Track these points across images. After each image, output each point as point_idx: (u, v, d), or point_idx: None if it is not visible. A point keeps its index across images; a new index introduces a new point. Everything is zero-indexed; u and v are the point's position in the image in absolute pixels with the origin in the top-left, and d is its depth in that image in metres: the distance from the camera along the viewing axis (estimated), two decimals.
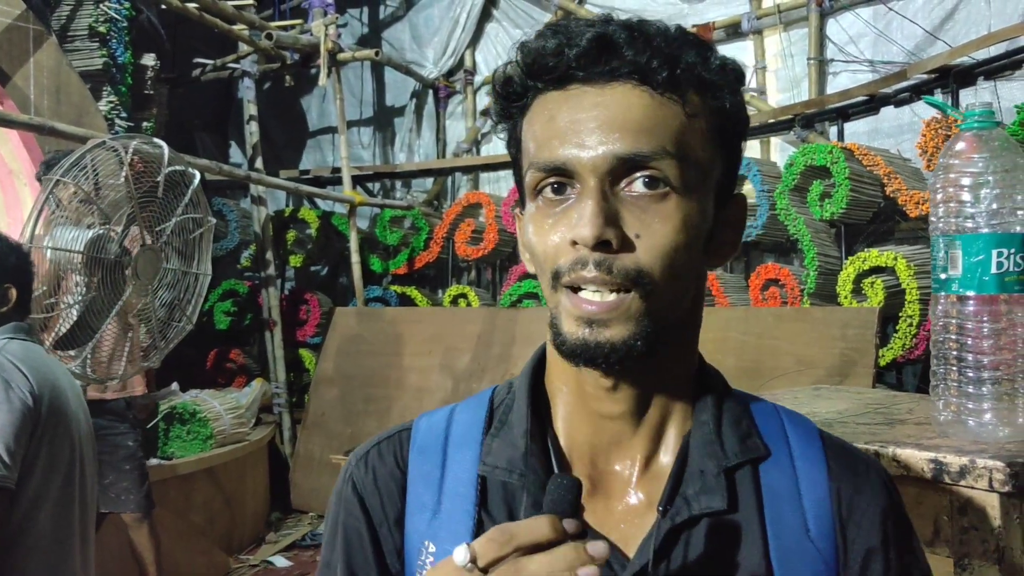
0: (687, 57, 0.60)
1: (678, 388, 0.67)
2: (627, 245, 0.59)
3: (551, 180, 0.61)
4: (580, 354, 0.60)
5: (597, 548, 0.51)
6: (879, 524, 0.66)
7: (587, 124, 0.59)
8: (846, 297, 3.02)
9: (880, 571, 0.65)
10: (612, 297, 0.59)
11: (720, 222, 0.65)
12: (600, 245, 0.58)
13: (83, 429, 1.57)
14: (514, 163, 0.68)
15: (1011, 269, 0.93)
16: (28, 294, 1.62)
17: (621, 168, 0.59)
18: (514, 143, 0.67)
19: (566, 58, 0.60)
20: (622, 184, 0.60)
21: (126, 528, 2.81)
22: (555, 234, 0.61)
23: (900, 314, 2.90)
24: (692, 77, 0.61)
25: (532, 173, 0.62)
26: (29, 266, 1.64)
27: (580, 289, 0.60)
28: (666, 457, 0.66)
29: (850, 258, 3.05)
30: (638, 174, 0.59)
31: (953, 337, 0.98)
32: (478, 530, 0.65)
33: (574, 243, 0.59)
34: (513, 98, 0.65)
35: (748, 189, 3.49)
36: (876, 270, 2.97)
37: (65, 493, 1.49)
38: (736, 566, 0.61)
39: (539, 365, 0.71)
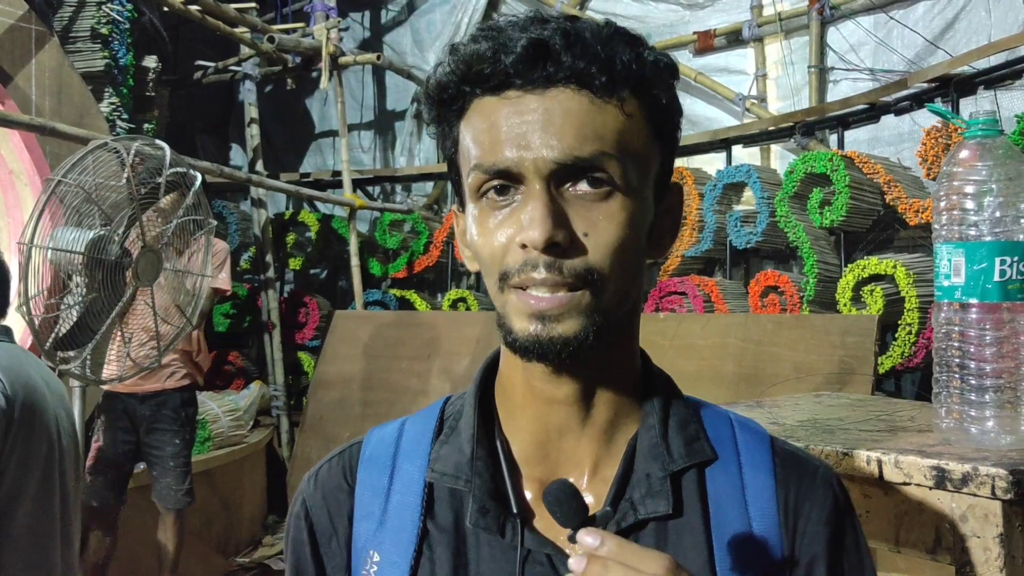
0: (623, 58, 0.61)
1: (622, 384, 0.67)
2: (576, 245, 0.60)
3: (495, 183, 0.62)
4: (533, 350, 0.61)
5: None
6: (824, 529, 0.66)
7: (529, 128, 0.60)
8: (845, 305, 3.02)
9: (828, 574, 0.65)
10: (562, 293, 0.60)
11: (660, 213, 0.67)
12: (550, 247, 0.59)
13: (64, 426, 1.56)
14: (450, 163, 0.68)
15: (1014, 277, 0.93)
16: (4, 296, 1.62)
17: (564, 171, 0.60)
18: (451, 144, 0.66)
19: (503, 64, 0.60)
20: (567, 185, 0.61)
21: (156, 516, 2.86)
22: (501, 236, 0.62)
23: (899, 322, 2.90)
24: (629, 78, 0.61)
25: (476, 175, 0.62)
26: (4, 267, 1.64)
27: (528, 288, 0.60)
28: (613, 462, 0.66)
29: (849, 266, 3.06)
30: (581, 176, 0.60)
31: (956, 345, 0.98)
32: (422, 539, 0.66)
33: (523, 246, 0.60)
34: (449, 103, 0.65)
35: (748, 196, 3.50)
36: (875, 278, 2.97)
37: (44, 489, 1.49)
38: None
39: (488, 374, 0.71)
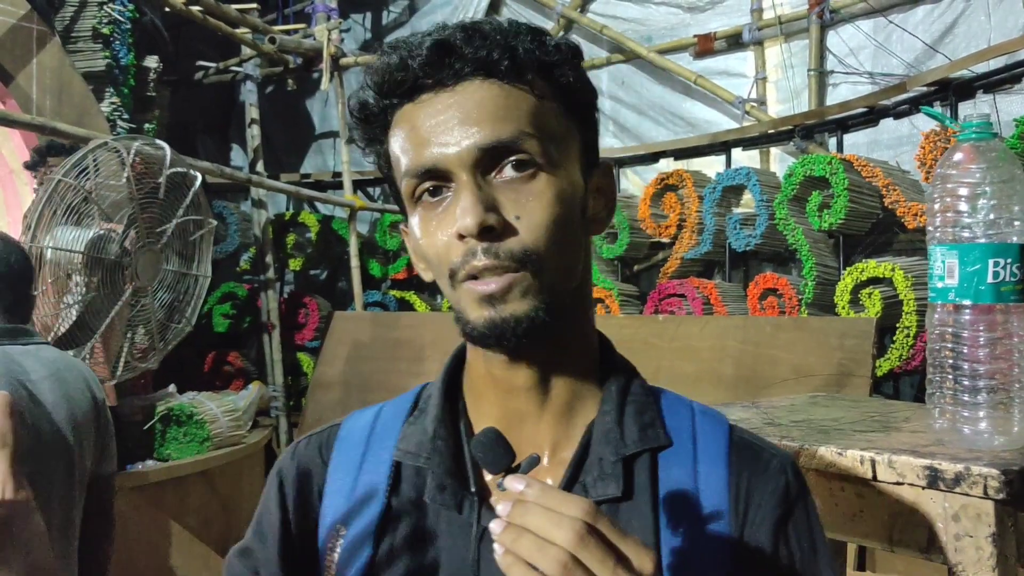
0: (524, 44, 0.64)
1: (579, 368, 0.70)
2: (509, 229, 0.62)
3: (426, 184, 0.64)
4: (489, 333, 0.63)
5: None
6: (773, 515, 0.67)
7: (446, 124, 0.62)
8: (844, 307, 3.02)
9: (773, 562, 0.66)
10: (506, 275, 0.62)
11: (591, 191, 0.69)
12: (484, 233, 0.61)
13: (62, 421, 1.55)
14: (389, 181, 0.70)
15: (1007, 279, 0.94)
16: (18, 293, 1.62)
17: (487, 158, 0.62)
18: (384, 161, 0.69)
19: (412, 69, 0.63)
20: (493, 173, 0.63)
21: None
22: (442, 235, 0.64)
23: (897, 325, 2.91)
24: (532, 62, 0.64)
25: (407, 181, 0.65)
26: (18, 264, 1.63)
27: (474, 278, 0.63)
28: (571, 445, 0.68)
29: (848, 268, 3.06)
30: (504, 160, 0.63)
31: (949, 346, 0.99)
32: (385, 515, 0.68)
33: (461, 236, 0.62)
34: (373, 120, 0.68)
35: (747, 199, 3.50)
36: (874, 281, 2.97)
37: (35, 484, 1.49)
38: None
39: (458, 359, 0.74)
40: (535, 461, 0.59)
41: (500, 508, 0.53)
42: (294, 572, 0.72)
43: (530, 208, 0.63)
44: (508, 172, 0.63)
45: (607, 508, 0.64)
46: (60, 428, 1.56)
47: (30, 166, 2.76)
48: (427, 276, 0.70)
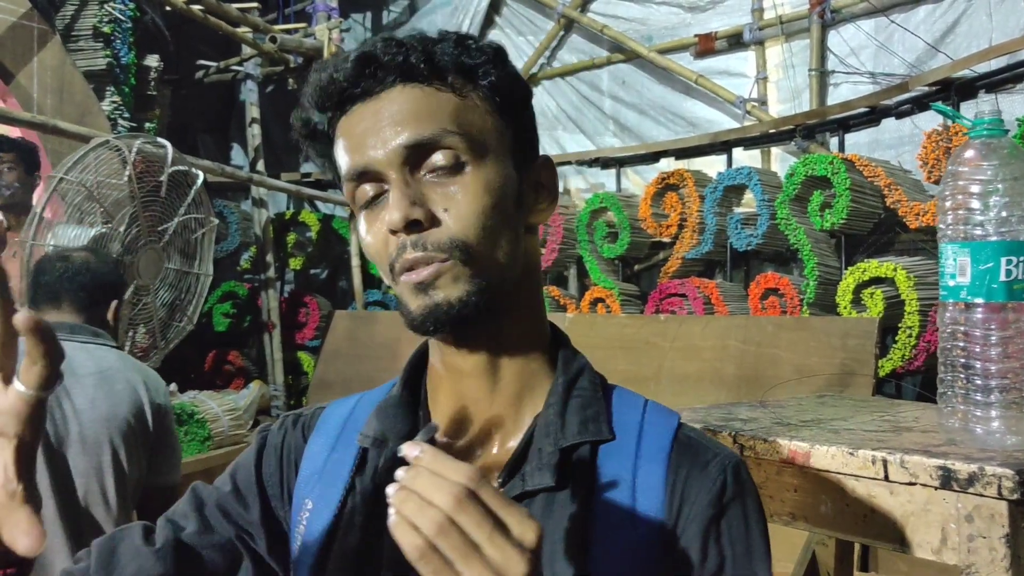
0: (443, 48, 0.67)
1: (528, 357, 0.72)
2: (436, 222, 0.65)
3: (363, 187, 0.68)
4: (426, 319, 0.66)
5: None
6: (706, 514, 0.67)
7: (374, 129, 0.66)
8: (846, 307, 3.02)
9: (701, 561, 0.67)
10: (433, 264, 0.65)
11: (528, 184, 0.72)
12: (411, 226, 0.65)
13: (95, 420, 1.56)
14: (342, 189, 0.73)
15: (1020, 277, 0.93)
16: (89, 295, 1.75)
17: (412, 156, 0.66)
18: (332, 171, 0.73)
19: (339, 83, 0.67)
20: (421, 171, 0.66)
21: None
22: (378, 230, 0.68)
23: (900, 325, 2.90)
24: (451, 63, 0.67)
25: (346, 186, 0.69)
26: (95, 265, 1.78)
27: (409, 271, 0.66)
28: (519, 435, 0.71)
29: (850, 268, 3.06)
30: (430, 157, 0.66)
31: (961, 345, 0.98)
32: (348, 493, 0.73)
33: (393, 232, 0.66)
34: (317, 136, 0.72)
35: (749, 198, 3.50)
36: (876, 281, 2.97)
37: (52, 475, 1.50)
38: (559, 544, 0.64)
39: (421, 352, 0.78)
40: (433, 428, 0.62)
41: (398, 472, 0.55)
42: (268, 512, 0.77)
43: (457, 200, 0.66)
44: (435, 167, 0.66)
45: (542, 498, 0.66)
46: (89, 426, 1.56)
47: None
48: (386, 278, 0.74)
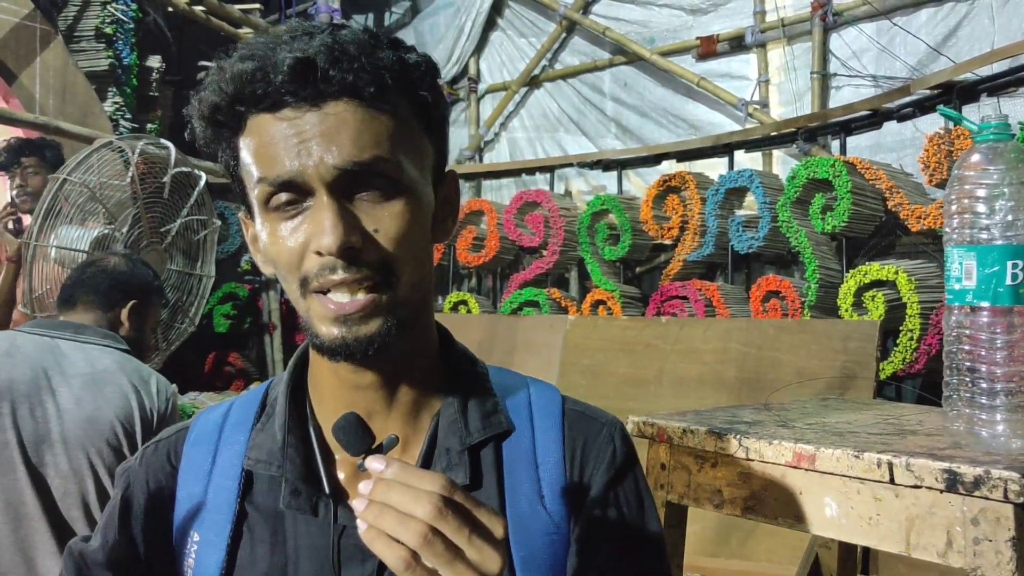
0: (390, 67, 0.64)
1: (423, 365, 0.73)
2: (368, 242, 0.64)
3: (282, 195, 0.64)
4: (339, 351, 0.65)
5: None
6: (603, 477, 0.72)
7: (308, 141, 0.62)
8: (847, 310, 3.02)
9: (603, 525, 0.71)
10: (361, 296, 0.64)
11: (439, 201, 0.72)
12: (345, 251, 0.62)
13: (78, 420, 1.56)
14: (232, 175, 0.70)
15: None
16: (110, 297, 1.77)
17: (347, 177, 0.63)
18: (230, 158, 0.69)
19: (273, 85, 0.62)
20: (352, 191, 0.64)
21: None
22: (294, 242, 0.64)
23: (901, 328, 2.91)
24: (397, 85, 0.65)
25: (262, 188, 0.65)
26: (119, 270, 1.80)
27: (329, 292, 0.64)
28: (419, 439, 0.71)
29: (851, 271, 3.06)
30: (364, 181, 0.64)
31: (966, 348, 0.98)
32: (239, 522, 0.70)
33: (321, 254, 0.63)
34: (223, 123, 0.67)
35: (750, 201, 3.50)
36: (877, 283, 2.97)
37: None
38: None
39: (302, 360, 0.75)
40: (394, 441, 0.61)
41: (361, 487, 0.55)
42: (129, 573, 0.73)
43: (387, 224, 0.64)
44: (367, 191, 0.64)
45: None
46: (71, 426, 1.56)
47: (2, 166, 2.73)
48: (266, 270, 0.71)
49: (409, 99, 0.67)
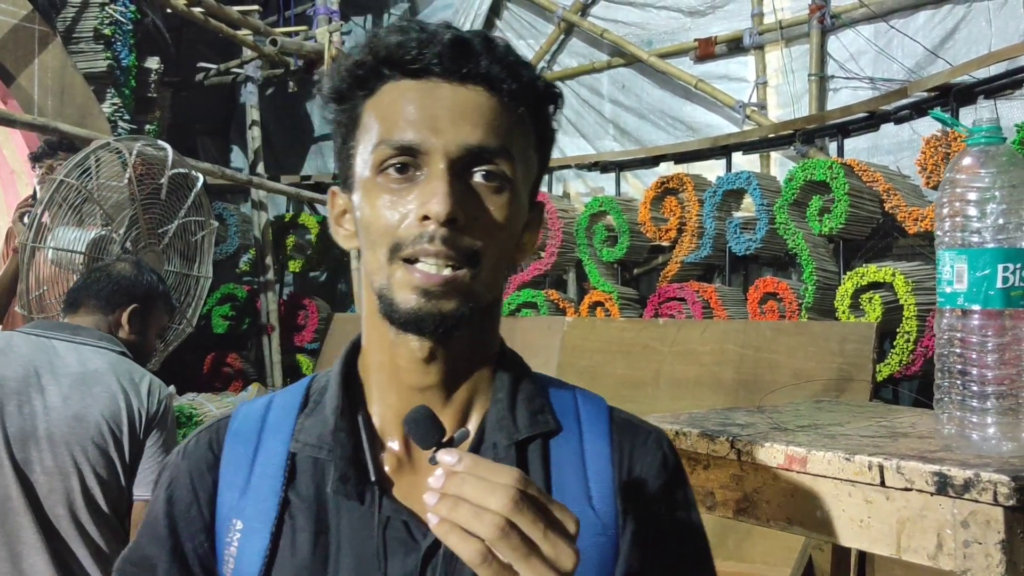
0: (526, 74, 0.70)
1: (482, 368, 0.73)
2: (468, 225, 0.66)
3: (400, 159, 0.66)
4: (413, 321, 0.66)
5: None
6: (654, 485, 0.73)
7: (442, 113, 0.66)
8: (844, 312, 3.02)
9: (653, 529, 0.72)
10: (447, 272, 0.65)
11: (527, 223, 0.74)
12: (449, 222, 0.64)
13: (64, 419, 1.56)
14: (343, 141, 0.71)
15: (1017, 284, 0.94)
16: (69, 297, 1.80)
17: (468, 158, 0.66)
18: (350, 122, 0.71)
19: (428, 52, 0.66)
20: (466, 172, 0.67)
21: None
22: (399, 209, 0.66)
23: (898, 330, 2.91)
24: (528, 92, 0.70)
25: (381, 149, 0.67)
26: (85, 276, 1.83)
27: (417, 261, 0.65)
28: (470, 435, 0.71)
29: (848, 273, 3.06)
30: (481, 167, 0.67)
31: (957, 351, 0.99)
32: (284, 507, 0.69)
33: (424, 219, 0.64)
34: (359, 82, 0.70)
35: (748, 203, 3.50)
36: (874, 285, 2.97)
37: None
38: None
39: (353, 351, 0.76)
40: (465, 435, 0.62)
41: (432, 480, 0.55)
42: (188, 570, 0.72)
43: (489, 215, 0.67)
44: (478, 177, 0.67)
45: None
46: (58, 424, 1.56)
47: (36, 156, 2.74)
48: (347, 243, 0.74)
49: (532, 111, 0.71)
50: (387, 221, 0.66)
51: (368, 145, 0.68)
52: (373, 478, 0.68)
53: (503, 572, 0.52)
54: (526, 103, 0.70)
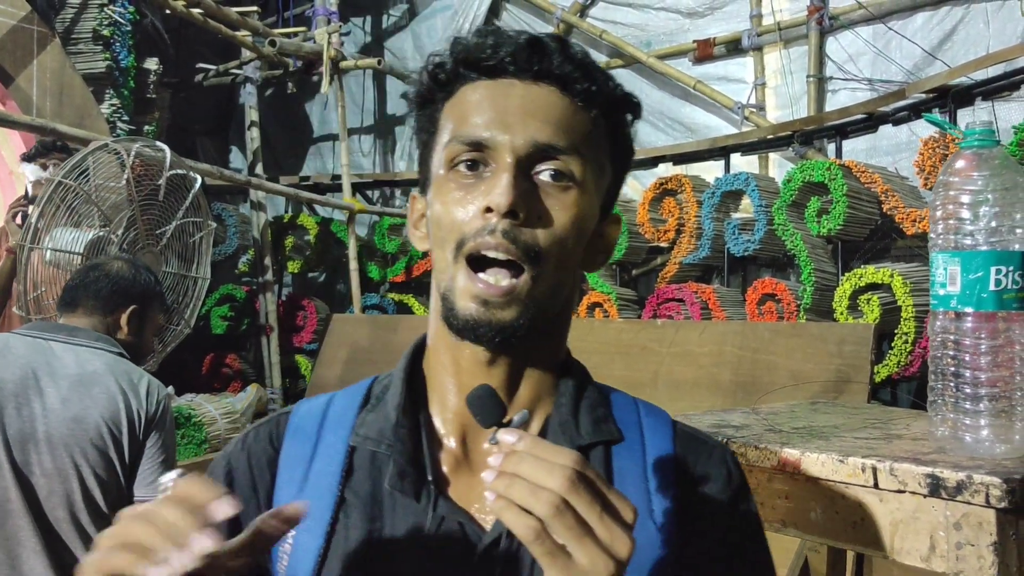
0: (601, 78, 0.70)
1: (545, 374, 0.72)
2: (531, 221, 0.65)
3: (469, 155, 0.67)
4: (471, 329, 0.66)
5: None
6: (719, 500, 0.71)
7: (512, 110, 0.67)
8: (842, 313, 3.03)
9: (717, 547, 0.70)
10: (506, 283, 0.65)
11: (599, 232, 0.73)
12: (510, 214, 0.64)
13: (64, 420, 1.57)
14: (424, 146, 0.73)
15: (1009, 287, 0.94)
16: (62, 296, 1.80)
17: (536, 154, 0.66)
18: (430, 126, 0.72)
19: (503, 52, 0.68)
20: (532, 171, 0.67)
21: None
22: (466, 205, 0.66)
23: (896, 331, 2.91)
24: (602, 95, 0.70)
25: (452, 146, 0.67)
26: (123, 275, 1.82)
27: (479, 268, 0.65)
28: None
29: (847, 274, 3.07)
30: (548, 164, 0.66)
31: (951, 353, 0.99)
32: (339, 506, 0.69)
33: (487, 210, 0.65)
34: (441, 83, 0.71)
35: (746, 204, 3.51)
36: (872, 287, 2.98)
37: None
38: None
39: (418, 352, 0.76)
40: (526, 416, 0.61)
41: (492, 459, 0.55)
42: None
43: (554, 214, 0.66)
44: (546, 176, 0.67)
45: None
46: (57, 426, 1.56)
47: (29, 157, 2.74)
48: (421, 245, 0.73)
49: (607, 117, 0.71)
50: (454, 216, 0.66)
51: (442, 144, 0.69)
52: (430, 477, 0.68)
53: (557, 551, 0.52)
54: (600, 107, 0.69)
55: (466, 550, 0.66)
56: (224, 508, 0.52)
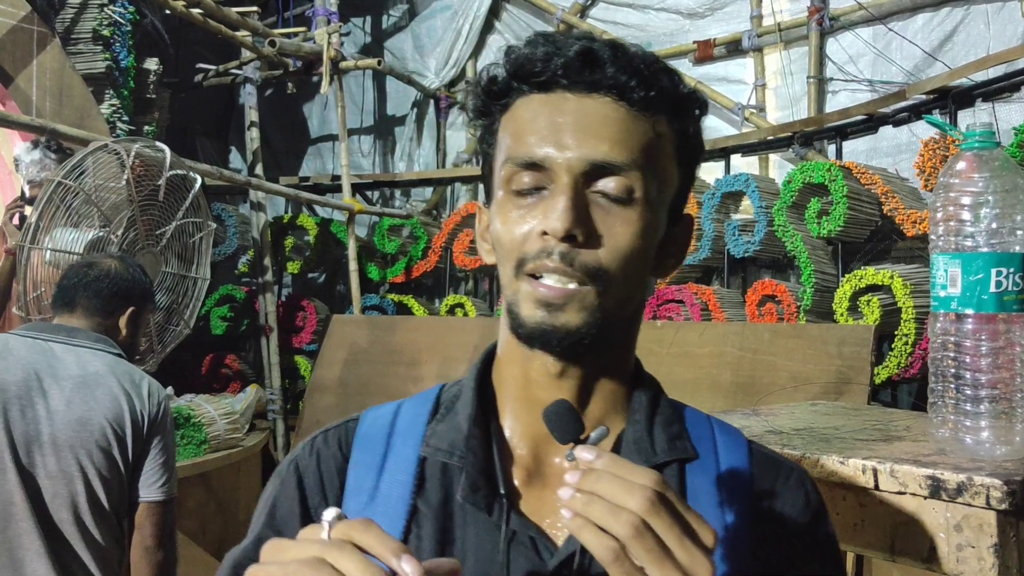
0: (661, 81, 0.66)
1: (617, 387, 0.71)
2: (591, 242, 0.64)
3: (525, 176, 0.65)
4: (537, 336, 0.65)
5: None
6: (795, 528, 0.69)
7: (567, 127, 0.64)
8: (842, 315, 3.03)
9: (794, 572, 0.68)
10: (572, 286, 0.64)
11: (669, 237, 0.71)
12: (568, 238, 0.63)
13: (67, 422, 1.56)
14: (485, 158, 0.71)
15: (1010, 288, 0.94)
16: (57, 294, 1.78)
17: (593, 172, 0.64)
18: (489, 138, 0.71)
19: (553, 65, 0.65)
20: (591, 187, 0.65)
21: None
22: (524, 225, 0.65)
23: (896, 333, 2.91)
24: (664, 100, 0.66)
25: (508, 167, 0.66)
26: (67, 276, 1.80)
27: (541, 277, 0.64)
28: None
29: (847, 276, 3.06)
30: (608, 180, 0.64)
31: (951, 355, 0.99)
32: (412, 515, 0.68)
33: (544, 233, 0.64)
34: (496, 96, 0.69)
35: (746, 205, 3.50)
36: (872, 288, 2.98)
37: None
38: None
39: (487, 361, 0.74)
40: (604, 433, 0.60)
41: (568, 477, 0.54)
42: None
43: (615, 231, 0.64)
44: (606, 191, 0.65)
45: None
46: (61, 428, 1.56)
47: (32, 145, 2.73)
48: (488, 259, 0.72)
49: (671, 121, 0.68)
50: (513, 237, 0.65)
51: (500, 162, 0.68)
52: (502, 490, 0.67)
53: (635, 573, 0.51)
54: (663, 111, 0.67)
55: (537, 566, 0.64)
56: (408, 568, 0.49)
